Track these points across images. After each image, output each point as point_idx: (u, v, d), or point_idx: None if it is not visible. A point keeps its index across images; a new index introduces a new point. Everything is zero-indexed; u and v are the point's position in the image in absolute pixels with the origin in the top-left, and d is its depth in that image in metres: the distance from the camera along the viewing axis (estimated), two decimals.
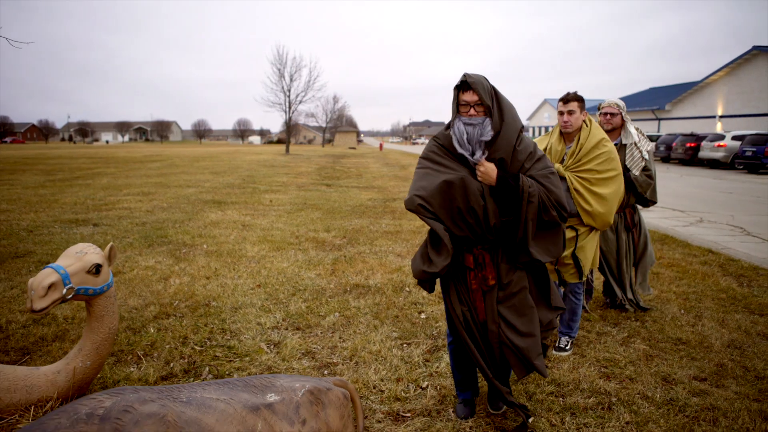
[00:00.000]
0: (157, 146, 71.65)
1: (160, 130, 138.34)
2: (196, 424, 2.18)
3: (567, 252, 3.91)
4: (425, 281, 2.93)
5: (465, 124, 2.71)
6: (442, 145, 2.88)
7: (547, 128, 74.25)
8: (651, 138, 31.22)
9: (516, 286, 2.82)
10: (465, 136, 2.70)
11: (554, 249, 2.83)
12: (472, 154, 2.72)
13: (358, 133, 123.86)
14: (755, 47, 33.82)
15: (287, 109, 46.50)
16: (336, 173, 22.53)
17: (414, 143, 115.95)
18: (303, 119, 73.80)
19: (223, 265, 6.66)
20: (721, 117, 37.17)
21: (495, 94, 2.76)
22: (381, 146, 65.17)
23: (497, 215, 2.72)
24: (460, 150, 2.73)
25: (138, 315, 4.84)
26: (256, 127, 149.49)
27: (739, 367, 3.90)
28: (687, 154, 28.20)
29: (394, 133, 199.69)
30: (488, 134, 2.69)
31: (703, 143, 26.98)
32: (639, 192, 4.59)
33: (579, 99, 3.87)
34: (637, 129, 4.63)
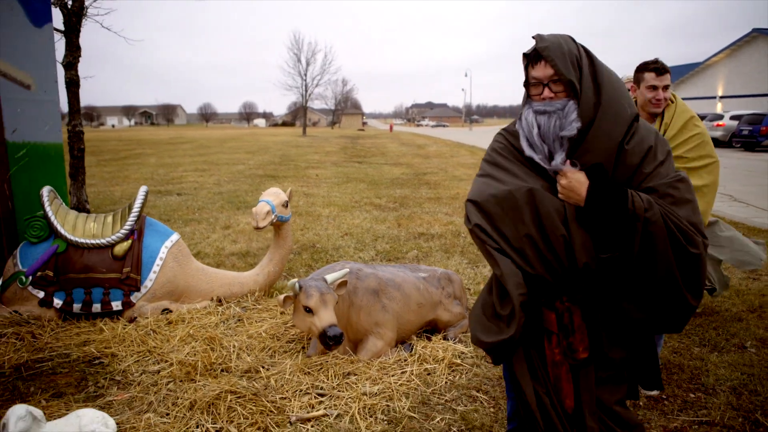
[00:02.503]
0: (169, 129, 73.10)
1: (166, 113, 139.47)
2: (392, 279, 3.82)
3: None
4: (492, 351, 1.95)
5: (537, 112, 1.80)
6: (509, 143, 1.97)
7: None
8: None
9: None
10: (536, 131, 1.80)
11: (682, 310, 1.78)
12: (550, 157, 1.81)
13: (363, 116, 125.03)
14: (755, 29, 35.08)
15: (304, 93, 47.98)
16: (360, 152, 24.10)
17: (418, 125, 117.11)
18: (317, 102, 75.47)
19: (307, 221, 8.27)
20: (721, 97, 38.51)
21: (585, 62, 1.80)
22: (391, 127, 66.50)
23: (590, 250, 1.77)
24: (529, 152, 1.84)
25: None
26: (260, 110, 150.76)
27: None
28: None
29: (396, 115, 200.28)
30: (572, 126, 1.75)
31: (703, 123, 28.42)
32: None
33: (669, 71, 3.04)
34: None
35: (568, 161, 1.78)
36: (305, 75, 47.11)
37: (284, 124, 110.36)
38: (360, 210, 9.28)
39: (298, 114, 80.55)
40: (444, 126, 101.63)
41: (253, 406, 3.01)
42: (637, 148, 1.78)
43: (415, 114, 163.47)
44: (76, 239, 4.29)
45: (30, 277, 4.21)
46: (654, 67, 2.98)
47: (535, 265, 1.81)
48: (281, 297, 3.34)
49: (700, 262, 1.72)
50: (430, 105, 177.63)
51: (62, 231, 4.30)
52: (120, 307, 4.29)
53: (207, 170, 15.54)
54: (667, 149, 1.83)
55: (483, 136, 42.62)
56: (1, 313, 4.15)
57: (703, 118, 29.00)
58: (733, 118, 27.03)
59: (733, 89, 37.41)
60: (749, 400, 3.14)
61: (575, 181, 1.75)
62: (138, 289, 4.33)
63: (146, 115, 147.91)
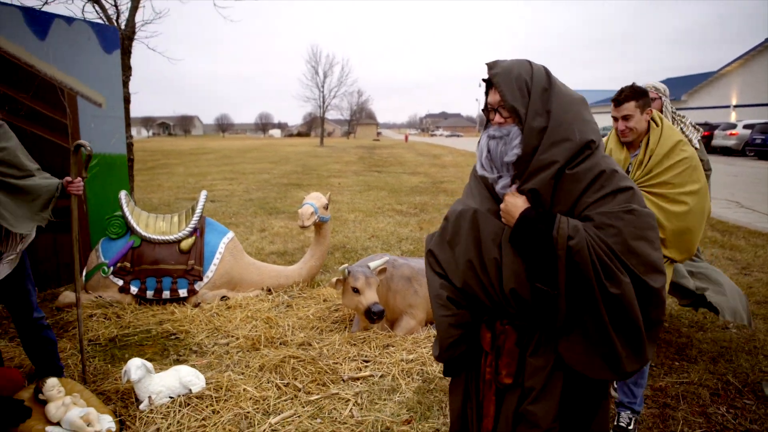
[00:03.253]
0: (188, 140, 74.57)
1: (183, 124, 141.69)
2: (422, 269, 4.48)
3: None
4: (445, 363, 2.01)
5: (489, 137, 1.80)
6: None
7: None
8: None
9: (541, 396, 1.78)
10: (485, 155, 1.81)
11: (636, 353, 1.66)
12: (499, 179, 1.80)
13: (378, 126, 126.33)
14: None
15: (321, 104, 49.09)
16: (379, 162, 24.82)
17: (432, 135, 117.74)
18: (332, 113, 76.93)
19: (335, 225, 8.95)
20: (735, 107, 38.76)
21: (536, 88, 1.75)
22: (406, 138, 67.27)
23: (519, 277, 1.71)
24: (481, 172, 1.85)
25: (302, 253, 7.17)
26: (275, 120, 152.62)
27: None
28: (701, 143, 30.03)
29: (411, 125, 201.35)
30: (512, 153, 1.73)
31: (716, 132, 28.78)
32: None
33: (637, 96, 2.91)
34: (674, 113, 3.72)
35: (514, 186, 1.76)
36: (323, 87, 48.35)
37: (299, 134, 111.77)
38: (383, 215, 9.95)
39: (314, 124, 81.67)
40: (458, 136, 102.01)
41: (312, 367, 3.68)
42: (581, 175, 1.68)
43: (429, 124, 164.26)
44: (149, 236, 5.01)
45: (111, 268, 4.93)
46: (614, 98, 2.97)
47: (473, 286, 1.80)
48: (333, 280, 4.03)
49: (623, 304, 1.59)
50: (444, 115, 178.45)
51: (137, 228, 5.02)
52: (186, 294, 4.99)
53: (235, 179, 16.33)
54: (626, 185, 1.69)
55: None
56: (88, 298, 4.87)
57: (716, 127, 29.44)
58: (746, 127, 27.37)
59: (747, 98, 37.67)
60: (724, 366, 3.75)
61: (511, 204, 1.73)
62: (201, 279, 5.03)
63: (164, 126, 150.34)
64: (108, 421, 2.97)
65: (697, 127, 3.76)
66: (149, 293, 4.94)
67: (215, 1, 9.05)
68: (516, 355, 1.80)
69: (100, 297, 4.88)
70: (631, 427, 3.01)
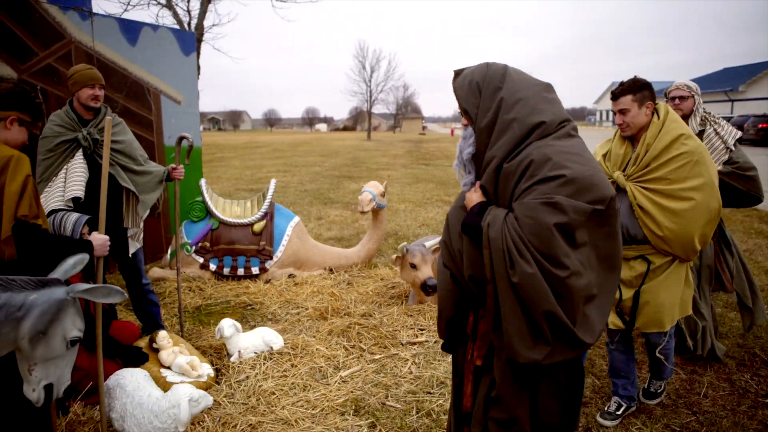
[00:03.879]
0: (238, 135, 76.69)
1: (233, 119, 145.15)
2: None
3: (627, 294, 2.92)
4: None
5: (461, 137, 1.96)
6: None
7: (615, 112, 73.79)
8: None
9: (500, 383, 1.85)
10: (457, 153, 1.99)
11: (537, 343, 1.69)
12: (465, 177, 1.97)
13: (423, 120, 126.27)
14: None
15: (369, 98, 49.86)
16: (425, 155, 25.24)
17: None
18: (378, 106, 77.99)
19: (387, 214, 9.43)
20: None
21: (487, 90, 1.84)
22: (452, 132, 67.25)
23: (475, 265, 1.83)
24: (456, 170, 2.07)
25: (357, 239, 7.71)
26: (321, 115, 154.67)
27: None
28: (758, 134, 29.12)
29: (456, 119, 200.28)
30: (467, 152, 1.92)
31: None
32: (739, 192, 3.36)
33: (635, 89, 2.83)
34: (707, 114, 3.54)
35: (478, 182, 1.86)
36: (370, 81, 49.12)
37: (345, 128, 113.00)
38: (432, 205, 10.39)
39: (359, 118, 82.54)
40: None
41: (374, 333, 4.19)
42: (514, 167, 1.74)
43: None
44: (226, 219, 5.62)
45: (193, 247, 5.57)
46: (612, 92, 2.92)
47: (456, 274, 1.95)
48: (393, 256, 4.52)
49: (525, 292, 1.64)
50: None
51: (216, 212, 5.64)
52: (257, 272, 5.58)
53: (288, 171, 17.07)
54: (554, 173, 1.67)
55: None
56: (173, 273, 5.52)
57: None
58: None
59: None
60: (752, 341, 4.05)
61: (468, 199, 1.87)
62: (271, 258, 5.62)
63: (214, 121, 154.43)
64: (207, 368, 3.55)
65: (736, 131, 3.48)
66: (226, 270, 5.56)
67: (273, 3, 9.67)
68: (488, 339, 1.90)
69: (184, 272, 5.52)
70: (619, 412, 3.11)
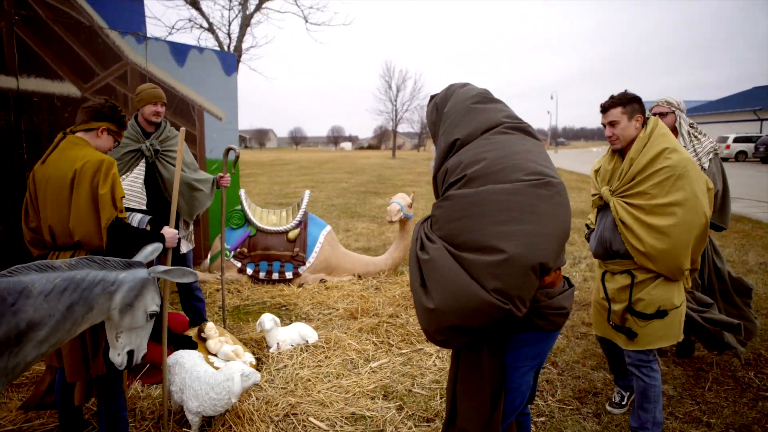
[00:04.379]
0: (264, 153, 78.07)
1: (259, 137, 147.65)
2: None
3: (618, 306, 2.90)
4: None
5: None
6: None
7: None
8: (750, 139, 31.48)
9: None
10: None
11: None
12: None
13: None
14: None
15: (394, 117, 50.63)
16: None
17: None
18: (402, 126, 78.82)
19: (413, 227, 9.79)
20: None
21: (440, 110, 2.13)
22: None
23: None
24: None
25: (383, 249, 8.05)
26: (346, 134, 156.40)
27: None
28: None
29: None
30: (431, 166, 2.12)
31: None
32: None
33: (624, 102, 2.84)
34: (692, 128, 3.61)
35: None
36: (395, 101, 49.91)
37: (370, 147, 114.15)
38: None
39: (384, 137, 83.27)
40: None
41: (401, 330, 4.52)
42: (438, 179, 2.04)
43: None
44: (263, 227, 6.04)
45: (232, 252, 5.99)
46: (601, 105, 2.93)
47: None
48: None
49: (429, 267, 1.88)
50: None
51: (254, 220, 6.06)
52: (291, 276, 5.97)
53: (316, 187, 17.57)
54: (454, 178, 1.91)
55: (567, 158, 42.84)
56: (213, 276, 5.94)
57: None
58: None
59: None
60: (759, 342, 4.29)
61: None
62: (304, 264, 6.00)
63: (241, 139, 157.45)
64: (249, 357, 3.92)
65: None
66: (261, 274, 5.96)
67: (308, 26, 10.23)
68: None
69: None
70: (624, 402, 3.26)
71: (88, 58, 5.49)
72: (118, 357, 2.40)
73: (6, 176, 4.91)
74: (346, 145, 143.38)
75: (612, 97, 2.88)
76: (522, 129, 2.05)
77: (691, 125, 3.62)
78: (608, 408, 3.38)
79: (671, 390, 3.60)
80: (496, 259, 1.76)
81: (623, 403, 3.38)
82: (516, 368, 2.07)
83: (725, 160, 30.81)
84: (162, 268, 2.44)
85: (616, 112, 2.84)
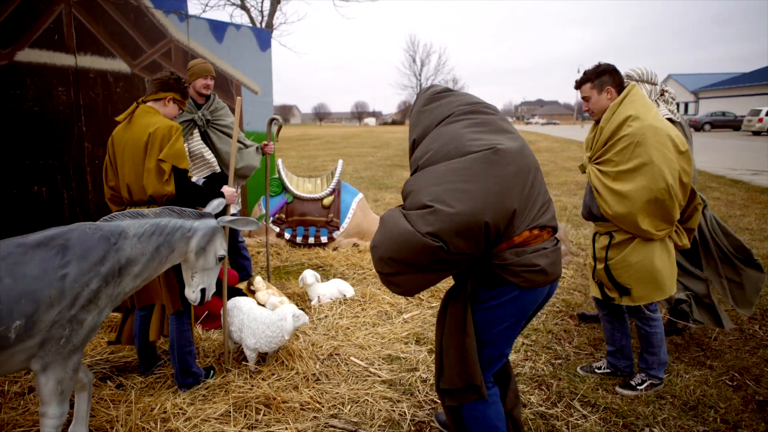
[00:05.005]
0: (290, 129, 78.67)
1: (283, 113, 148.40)
2: None
3: (600, 266, 3.11)
4: None
5: None
6: None
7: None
8: None
9: None
10: None
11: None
12: None
13: None
14: None
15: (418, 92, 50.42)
16: None
17: (527, 123, 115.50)
18: None
19: None
20: None
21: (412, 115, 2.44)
22: None
23: None
24: None
25: None
26: (370, 109, 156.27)
27: None
28: None
29: (505, 113, 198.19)
30: None
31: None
32: None
33: (592, 77, 2.99)
34: (662, 95, 3.64)
35: None
36: (419, 75, 49.79)
37: (394, 122, 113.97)
38: None
39: (408, 112, 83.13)
40: (555, 124, 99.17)
41: (431, 288, 4.89)
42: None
43: (524, 112, 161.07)
44: (300, 194, 6.44)
45: (271, 218, 6.41)
46: (575, 81, 3.11)
47: None
48: None
49: (379, 222, 2.22)
50: (540, 102, 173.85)
51: (291, 188, 6.46)
52: (326, 241, 6.37)
53: (343, 160, 17.93)
54: (417, 164, 2.23)
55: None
56: (254, 239, 6.38)
57: None
58: None
59: None
60: (767, 301, 4.56)
61: None
62: (338, 229, 6.40)
63: None
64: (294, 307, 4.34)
65: (672, 116, 3.51)
66: (298, 239, 6.38)
67: (335, 2, 10.49)
68: None
69: (263, 240, 6.37)
70: (641, 386, 3.19)
71: (136, 36, 5.89)
72: (192, 294, 2.82)
73: (68, 147, 5.37)
74: (370, 121, 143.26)
75: (584, 73, 3.05)
76: (473, 111, 2.28)
77: (662, 93, 3.62)
78: (618, 389, 3.25)
79: (679, 339, 3.92)
80: (428, 210, 2.03)
81: (604, 371, 3.41)
82: (495, 324, 2.25)
83: (758, 133, 30.26)
84: (229, 217, 2.84)
85: (586, 88, 3.01)
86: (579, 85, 3.05)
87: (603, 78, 2.97)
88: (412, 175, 2.26)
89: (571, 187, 11.41)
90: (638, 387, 3.20)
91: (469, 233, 2.01)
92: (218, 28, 6.75)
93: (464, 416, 2.36)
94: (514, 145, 2.14)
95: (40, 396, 2.28)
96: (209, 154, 4.31)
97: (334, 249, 6.33)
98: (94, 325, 2.33)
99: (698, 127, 37.06)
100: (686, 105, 65.10)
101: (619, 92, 2.99)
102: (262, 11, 9.36)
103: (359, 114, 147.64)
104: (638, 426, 2.88)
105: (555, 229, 2.28)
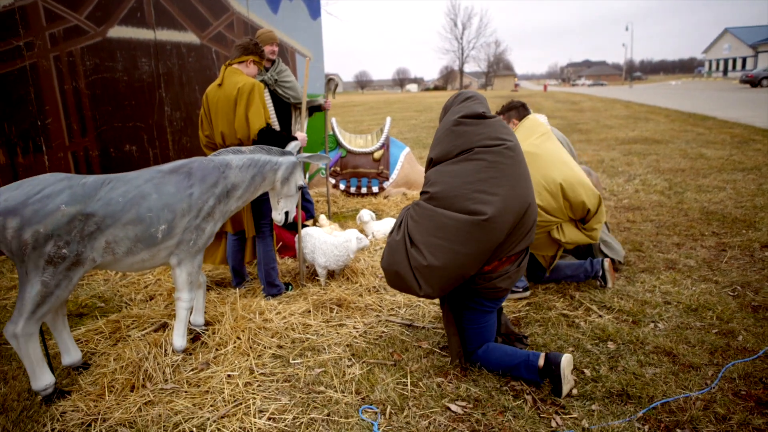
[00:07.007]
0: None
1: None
2: None
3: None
4: None
5: None
6: None
7: (726, 62, 68.50)
8: None
9: None
10: None
11: None
12: None
13: (515, 77, 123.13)
14: None
15: (460, 56, 50.22)
16: None
17: (573, 85, 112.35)
18: (468, 65, 77.53)
19: None
20: None
21: (441, 115, 3.09)
22: (545, 88, 66.05)
23: None
24: None
25: None
26: (412, 75, 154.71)
27: None
28: None
29: (551, 75, 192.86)
30: None
31: None
32: None
33: (503, 111, 4.20)
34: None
35: None
36: (461, 39, 49.42)
37: (436, 88, 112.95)
38: None
39: (450, 78, 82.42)
40: (602, 85, 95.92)
41: None
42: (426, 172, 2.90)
43: (570, 74, 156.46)
44: (353, 148, 7.12)
45: (327, 171, 7.13)
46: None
47: None
48: None
49: (387, 245, 2.79)
50: (587, 63, 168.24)
51: (345, 143, 7.15)
52: (377, 190, 7.06)
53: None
54: (428, 190, 2.67)
55: (642, 93, 41.31)
56: (314, 191, 7.12)
57: None
58: None
59: None
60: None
61: None
62: (387, 180, 7.07)
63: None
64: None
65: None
66: (352, 189, 7.08)
67: None
68: None
69: (319, 190, 7.11)
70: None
71: (203, 10, 6.60)
72: (278, 216, 3.55)
73: (151, 111, 6.18)
74: (412, 87, 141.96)
75: (502, 107, 4.10)
76: (492, 151, 2.61)
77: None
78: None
79: (692, 262, 4.44)
80: (422, 263, 2.55)
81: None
82: (471, 320, 2.91)
83: None
84: (306, 154, 3.53)
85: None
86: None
87: (510, 113, 4.08)
88: (424, 192, 2.72)
89: (610, 143, 11.69)
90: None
91: (453, 283, 2.64)
92: (274, 1, 7.40)
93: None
94: (509, 205, 2.55)
95: (175, 285, 3.07)
96: (273, 117, 5.00)
97: (385, 197, 7.01)
98: (211, 233, 3.08)
99: (755, 82, 35.67)
100: (744, 60, 62.18)
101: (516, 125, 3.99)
102: None
103: (401, 81, 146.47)
104: (645, 322, 3.47)
105: (525, 249, 2.79)
